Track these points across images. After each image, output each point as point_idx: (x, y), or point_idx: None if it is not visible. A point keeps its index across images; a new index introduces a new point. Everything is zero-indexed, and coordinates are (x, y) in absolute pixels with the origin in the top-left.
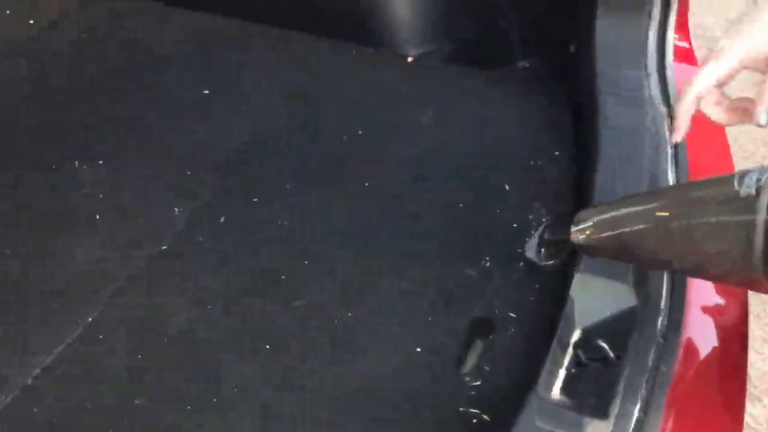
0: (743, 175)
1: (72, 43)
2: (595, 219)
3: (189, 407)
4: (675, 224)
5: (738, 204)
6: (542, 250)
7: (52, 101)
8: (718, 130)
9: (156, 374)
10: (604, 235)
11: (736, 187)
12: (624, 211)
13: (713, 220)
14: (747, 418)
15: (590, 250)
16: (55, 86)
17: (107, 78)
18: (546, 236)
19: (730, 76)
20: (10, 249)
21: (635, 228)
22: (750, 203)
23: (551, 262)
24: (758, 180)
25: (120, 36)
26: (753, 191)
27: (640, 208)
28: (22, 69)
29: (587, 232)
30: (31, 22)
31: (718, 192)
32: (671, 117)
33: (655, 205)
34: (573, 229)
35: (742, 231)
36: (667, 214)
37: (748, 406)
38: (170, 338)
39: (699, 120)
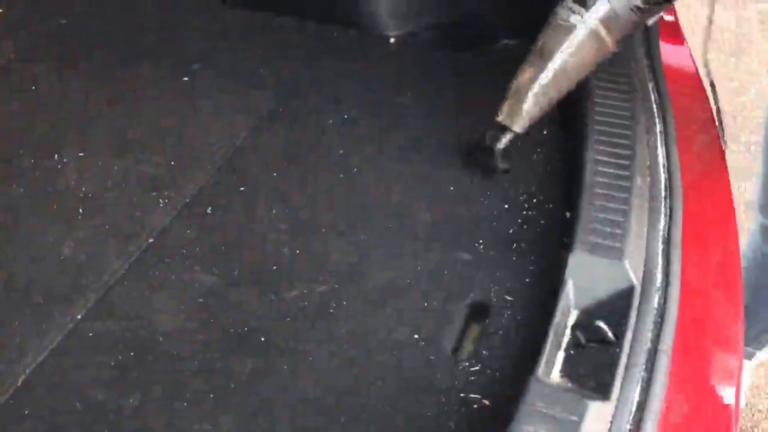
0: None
1: (51, 31)
2: (509, 101)
3: (184, 404)
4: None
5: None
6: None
7: (32, 93)
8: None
9: (148, 372)
10: (521, 105)
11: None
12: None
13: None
14: None
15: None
16: (36, 75)
17: (88, 67)
18: (488, 142)
19: None
20: None
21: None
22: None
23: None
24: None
25: (101, 24)
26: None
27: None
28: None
29: (508, 110)
30: (1, 10)
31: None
32: (659, 92)
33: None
34: (498, 118)
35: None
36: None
37: None
38: (162, 334)
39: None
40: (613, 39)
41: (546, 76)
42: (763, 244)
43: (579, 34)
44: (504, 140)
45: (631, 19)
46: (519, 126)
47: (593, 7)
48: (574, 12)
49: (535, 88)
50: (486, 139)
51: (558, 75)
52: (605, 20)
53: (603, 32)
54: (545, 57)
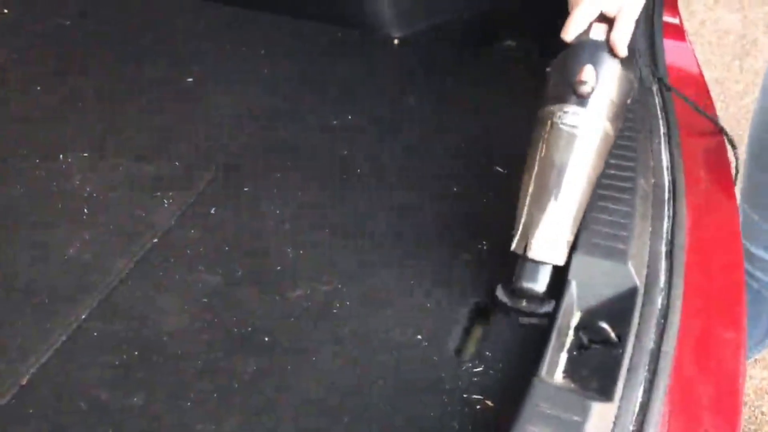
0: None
1: (55, 31)
2: (537, 232)
3: (188, 403)
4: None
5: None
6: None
7: (34, 93)
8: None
9: (152, 371)
10: (554, 232)
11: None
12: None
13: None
14: None
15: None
16: (38, 76)
17: (90, 67)
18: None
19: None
20: None
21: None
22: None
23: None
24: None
25: (103, 25)
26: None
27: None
28: (2, 57)
29: (539, 243)
30: (6, 11)
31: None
32: (662, 93)
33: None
34: (530, 253)
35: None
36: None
37: None
38: (166, 334)
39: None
40: (615, 127)
41: (570, 194)
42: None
43: (589, 138)
44: (542, 281)
45: (627, 101)
46: (561, 257)
47: (594, 104)
48: (573, 113)
49: (564, 209)
50: (518, 281)
51: (578, 189)
52: (608, 114)
53: (609, 127)
54: (558, 171)
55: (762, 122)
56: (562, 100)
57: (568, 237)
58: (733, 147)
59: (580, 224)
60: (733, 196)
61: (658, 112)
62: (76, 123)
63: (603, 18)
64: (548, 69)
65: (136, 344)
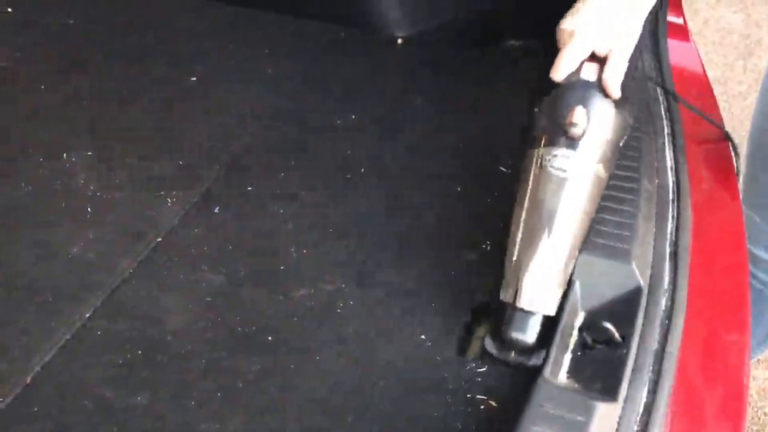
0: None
1: (59, 30)
2: (529, 282)
3: (192, 403)
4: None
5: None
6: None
7: (38, 92)
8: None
9: (156, 370)
10: (547, 283)
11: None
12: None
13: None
14: None
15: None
16: (41, 74)
17: (95, 67)
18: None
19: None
20: (1, 244)
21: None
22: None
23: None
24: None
25: (108, 24)
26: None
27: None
28: (7, 56)
29: (531, 293)
30: (9, 10)
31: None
32: (666, 94)
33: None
34: (520, 303)
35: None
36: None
37: None
38: (170, 333)
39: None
40: (608, 169)
41: (561, 241)
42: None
43: (580, 183)
44: (533, 331)
45: (620, 143)
46: (552, 307)
47: (586, 147)
48: (563, 156)
49: (554, 256)
50: (507, 331)
51: (568, 235)
52: (600, 156)
53: (602, 169)
54: (548, 218)
55: (761, 123)
56: (551, 142)
57: (560, 285)
58: (736, 152)
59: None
60: (737, 196)
61: (662, 113)
62: (80, 122)
63: (594, 57)
64: (536, 109)
65: (140, 343)
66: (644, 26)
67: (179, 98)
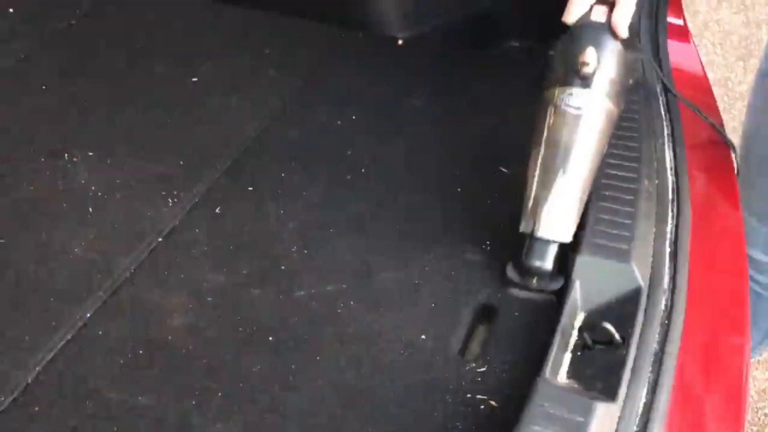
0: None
1: (61, 31)
2: (544, 210)
3: (193, 402)
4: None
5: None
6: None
7: (41, 92)
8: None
9: (159, 370)
10: (564, 211)
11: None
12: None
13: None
14: None
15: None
16: (43, 75)
17: (97, 68)
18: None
19: None
20: (2, 244)
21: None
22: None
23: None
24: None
25: (110, 25)
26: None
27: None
28: (8, 57)
29: (546, 221)
30: (11, 10)
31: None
32: (665, 94)
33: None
34: (539, 233)
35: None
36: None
37: None
38: (171, 332)
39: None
40: (618, 106)
41: (576, 175)
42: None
43: (594, 119)
44: (551, 258)
45: (630, 81)
46: (568, 235)
47: (597, 85)
48: (576, 94)
49: (570, 189)
50: (528, 260)
51: (584, 169)
52: (611, 93)
53: (612, 106)
54: (564, 152)
55: (753, 122)
56: (565, 82)
57: (575, 215)
58: (734, 152)
59: (584, 224)
60: (736, 197)
61: (662, 113)
62: (82, 122)
63: (602, 1)
64: (551, 52)
65: (141, 343)
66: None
67: (180, 98)
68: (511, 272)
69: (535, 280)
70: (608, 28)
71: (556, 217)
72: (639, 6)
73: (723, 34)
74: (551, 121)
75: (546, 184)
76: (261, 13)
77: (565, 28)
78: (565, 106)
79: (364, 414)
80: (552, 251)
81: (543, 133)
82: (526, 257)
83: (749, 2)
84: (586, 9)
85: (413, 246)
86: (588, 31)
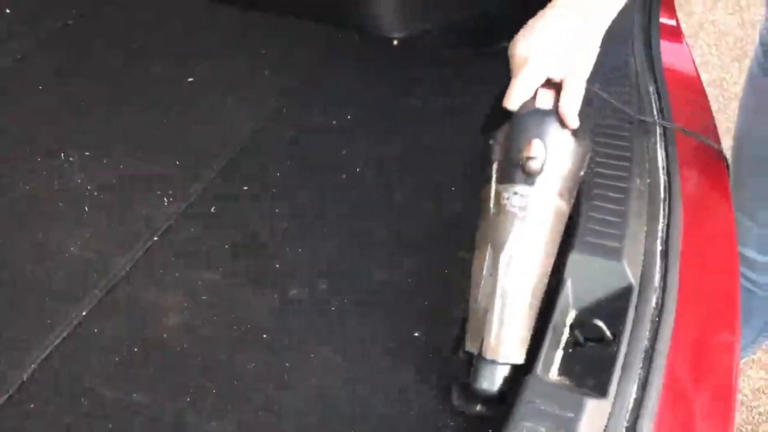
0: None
1: (57, 31)
2: (492, 331)
3: (188, 399)
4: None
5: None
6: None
7: (38, 93)
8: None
9: (154, 369)
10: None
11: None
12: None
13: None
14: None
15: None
16: (39, 75)
17: (94, 68)
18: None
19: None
20: None
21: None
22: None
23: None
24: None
25: (107, 25)
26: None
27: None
28: (5, 57)
29: (495, 342)
30: (8, 11)
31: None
32: (658, 93)
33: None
34: (488, 355)
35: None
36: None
37: None
38: (167, 331)
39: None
40: (569, 202)
41: (525, 285)
42: None
43: (540, 219)
44: (500, 381)
45: (581, 173)
46: (519, 356)
47: (544, 182)
48: (521, 193)
49: (519, 302)
50: (474, 383)
51: (532, 277)
52: (560, 190)
53: (562, 204)
54: (508, 260)
55: (745, 123)
56: (508, 179)
57: (526, 333)
58: (725, 161)
59: (575, 223)
60: (728, 196)
61: (654, 111)
62: (78, 122)
63: (549, 83)
64: (491, 141)
65: (136, 341)
66: (636, 26)
67: (176, 98)
68: (454, 396)
69: (479, 406)
70: (556, 115)
71: (504, 337)
72: (608, 38)
73: (718, 34)
74: (494, 222)
75: (491, 297)
76: (257, 13)
77: (507, 114)
78: (509, 206)
79: (358, 412)
80: (501, 373)
81: (486, 236)
82: (472, 380)
83: (744, 3)
84: (530, 94)
85: (407, 245)
86: (533, 121)
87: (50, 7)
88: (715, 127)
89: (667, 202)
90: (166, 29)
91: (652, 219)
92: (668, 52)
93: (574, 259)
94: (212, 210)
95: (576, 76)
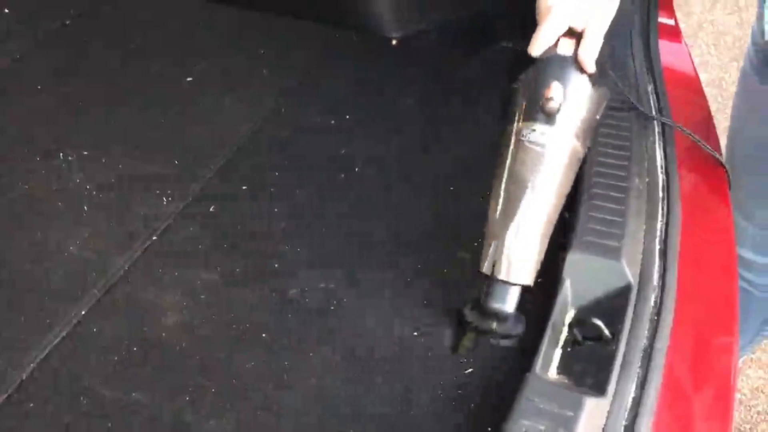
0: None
1: (56, 31)
2: (504, 252)
3: (187, 398)
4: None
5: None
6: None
7: (36, 92)
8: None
9: (153, 368)
10: (524, 252)
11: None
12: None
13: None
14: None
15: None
16: (38, 74)
17: (92, 67)
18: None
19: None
20: None
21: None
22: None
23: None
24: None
25: (105, 25)
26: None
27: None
28: (3, 57)
29: (507, 263)
30: (6, 11)
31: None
32: (656, 92)
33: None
34: (500, 275)
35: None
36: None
37: None
38: (165, 330)
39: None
40: (585, 144)
41: (537, 214)
42: None
43: (556, 156)
44: (511, 301)
45: (597, 117)
46: (529, 278)
47: (562, 122)
48: (540, 131)
49: (532, 230)
50: (487, 302)
51: (546, 209)
52: (577, 131)
53: (578, 144)
54: (526, 192)
55: (738, 122)
56: (529, 117)
57: (537, 257)
58: (723, 167)
59: (574, 222)
60: (726, 195)
61: (653, 111)
62: (76, 121)
63: (571, 33)
64: (514, 85)
65: (135, 341)
66: (635, 25)
67: (175, 98)
68: (469, 314)
69: (495, 324)
70: (575, 62)
71: (517, 259)
72: (608, 37)
73: (717, 34)
74: (513, 157)
75: (507, 224)
76: (255, 13)
77: (531, 60)
78: (528, 142)
79: (356, 410)
80: (514, 294)
81: (504, 168)
82: (485, 299)
83: (743, 3)
84: (553, 42)
85: (406, 244)
86: (554, 65)
87: (48, 7)
88: (713, 126)
89: (665, 202)
90: (164, 29)
91: (651, 218)
92: (667, 52)
93: (573, 258)
94: (211, 209)
95: (595, 26)
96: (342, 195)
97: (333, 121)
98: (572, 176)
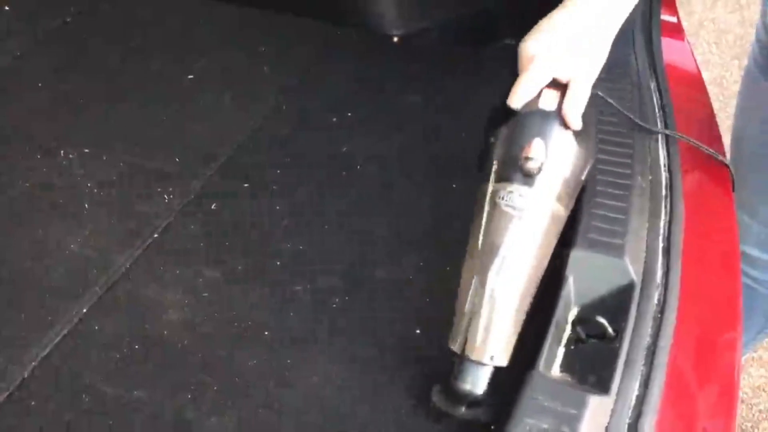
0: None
1: (56, 28)
2: (479, 330)
3: (188, 395)
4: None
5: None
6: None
7: (37, 90)
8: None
9: (154, 365)
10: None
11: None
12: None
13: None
14: None
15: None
16: (38, 72)
17: (93, 65)
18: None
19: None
20: None
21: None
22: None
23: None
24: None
25: (106, 22)
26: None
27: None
28: (4, 55)
29: (481, 342)
30: (7, 8)
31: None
32: (659, 90)
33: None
34: (473, 356)
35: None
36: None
37: None
38: (167, 328)
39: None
40: (568, 207)
41: (513, 287)
42: None
43: (534, 222)
44: (482, 383)
45: (581, 177)
46: (503, 357)
47: (543, 183)
48: (518, 193)
49: (506, 304)
50: (456, 383)
51: (522, 280)
52: (559, 193)
53: (560, 208)
54: (501, 261)
55: (741, 120)
56: (506, 177)
57: (512, 334)
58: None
59: (577, 220)
60: (729, 192)
61: (656, 109)
62: (77, 119)
63: (555, 84)
64: (492, 139)
65: (137, 338)
66: (637, 22)
67: (175, 95)
68: (436, 396)
69: (463, 408)
70: (559, 117)
71: (489, 338)
72: (594, 87)
73: (718, 33)
74: (488, 222)
75: (480, 296)
76: (256, 10)
77: (511, 113)
78: (504, 205)
79: (358, 408)
80: (485, 375)
81: (479, 234)
82: (454, 380)
83: (744, 1)
84: (535, 94)
85: (407, 242)
86: (535, 120)
87: (48, 4)
88: (716, 124)
89: (668, 199)
90: (165, 26)
91: (654, 216)
92: (669, 49)
93: (576, 255)
94: (212, 207)
95: (582, 78)
96: (343, 192)
97: (334, 119)
98: (554, 242)
